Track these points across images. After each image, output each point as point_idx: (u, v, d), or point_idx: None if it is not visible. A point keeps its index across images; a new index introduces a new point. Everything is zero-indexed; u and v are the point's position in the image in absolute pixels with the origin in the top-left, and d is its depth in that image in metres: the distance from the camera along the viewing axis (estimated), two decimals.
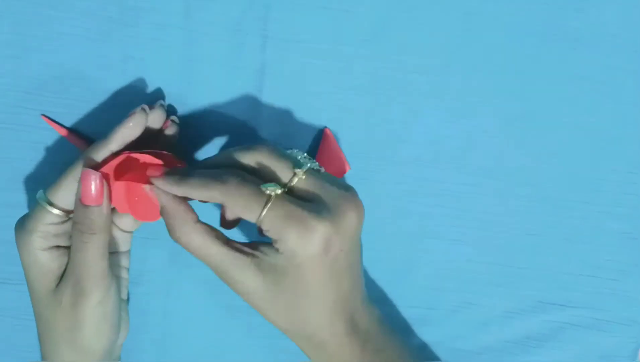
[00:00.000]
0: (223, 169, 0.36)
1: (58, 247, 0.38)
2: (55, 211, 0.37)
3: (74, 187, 0.37)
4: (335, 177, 0.38)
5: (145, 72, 0.43)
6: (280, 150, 0.37)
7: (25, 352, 0.44)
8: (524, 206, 0.46)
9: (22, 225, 0.38)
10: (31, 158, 0.43)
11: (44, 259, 0.37)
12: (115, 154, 0.38)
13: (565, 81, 0.45)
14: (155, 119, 0.39)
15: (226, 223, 0.40)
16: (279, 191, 0.35)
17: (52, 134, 0.43)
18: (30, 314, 0.39)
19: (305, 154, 0.38)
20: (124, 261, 0.41)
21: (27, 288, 0.39)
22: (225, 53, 0.43)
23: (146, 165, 0.38)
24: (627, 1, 0.45)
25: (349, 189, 0.37)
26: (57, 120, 0.43)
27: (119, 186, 0.38)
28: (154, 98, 0.43)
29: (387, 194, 0.45)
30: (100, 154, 0.37)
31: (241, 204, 0.35)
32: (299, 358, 0.41)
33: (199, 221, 0.37)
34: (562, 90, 0.45)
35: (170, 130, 0.41)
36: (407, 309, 0.46)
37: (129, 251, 0.42)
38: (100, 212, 0.37)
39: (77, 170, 0.37)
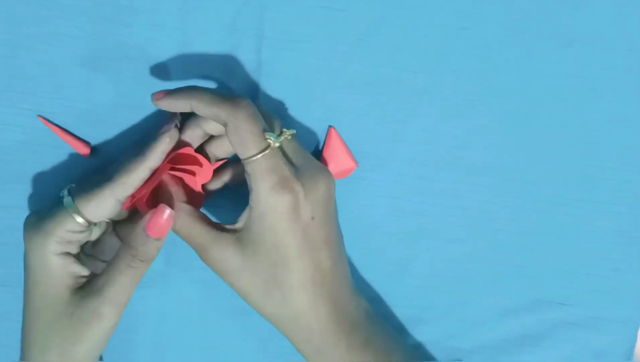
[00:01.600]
0: (236, 95, 0.38)
1: (68, 254, 0.38)
2: (80, 220, 0.37)
3: (106, 203, 0.37)
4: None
5: (140, 73, 0.43)
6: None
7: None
8: (519, 204, 0.46)
9: (37, 225, 0.37)
10: (25, 159, 0.43)
11: (55, 264, 0.37)
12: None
13: (560, 79, 0.45)
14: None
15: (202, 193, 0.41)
16: (277, 145, 0.37)
17: (48, 135, 0.43)
18: None
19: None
20: None
21: (26, 287, 0.38)
22: (221, 53, 0.43)
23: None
24: (622, 0, 0.45)
25: (320, 162, 0.39)
26: (51, 120, 0.43)
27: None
28: (149, 98, 0.43)
29: (382, 193, 0.45)
30: (139, 172, 0.38)
31: (242, 137, 0.36)
32: (295, 358, 0.41)
33: (184, 202, 0.39)
34: (557, 89, 0.45)
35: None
36: (403, 308, 0.46)
37: None
38: (158, 245, 0.37)
39: (115, 188, 0.37)
